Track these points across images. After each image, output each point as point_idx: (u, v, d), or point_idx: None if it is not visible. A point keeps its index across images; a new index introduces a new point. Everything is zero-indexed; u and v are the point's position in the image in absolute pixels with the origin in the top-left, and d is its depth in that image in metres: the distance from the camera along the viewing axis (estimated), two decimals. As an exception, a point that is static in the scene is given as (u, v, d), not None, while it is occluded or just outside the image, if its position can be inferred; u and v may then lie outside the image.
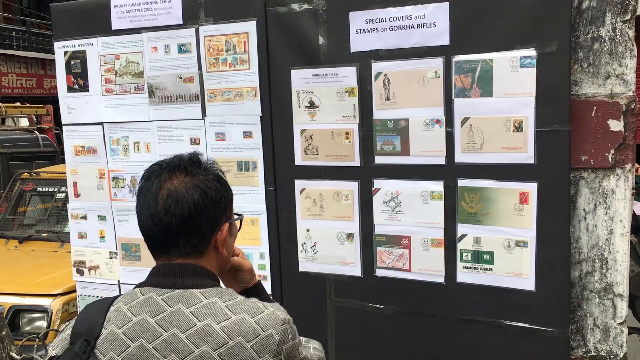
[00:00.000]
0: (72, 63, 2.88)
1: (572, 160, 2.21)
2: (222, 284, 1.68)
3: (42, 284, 5.32)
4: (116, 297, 1.45)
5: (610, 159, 2.18)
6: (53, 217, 6.76)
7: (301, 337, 1.58)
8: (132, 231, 2.85)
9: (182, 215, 1.40)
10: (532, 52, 2.10)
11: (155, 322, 1.35)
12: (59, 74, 2.91)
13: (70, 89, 2.91)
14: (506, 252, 2.22)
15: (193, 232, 1.42)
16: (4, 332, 3.84)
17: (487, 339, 2.28)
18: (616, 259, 2.23)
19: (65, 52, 2.89)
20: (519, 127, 2.15)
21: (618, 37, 2.15)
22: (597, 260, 2.25)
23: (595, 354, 2.28)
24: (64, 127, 2.96)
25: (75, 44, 2.86)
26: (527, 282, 2.20)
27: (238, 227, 1.61)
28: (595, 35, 2.17)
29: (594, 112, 2.18)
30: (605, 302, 2.26)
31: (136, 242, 2.85)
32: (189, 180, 1.43)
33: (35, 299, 5.11)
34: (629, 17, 2.13)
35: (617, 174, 2.19)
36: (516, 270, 2.21)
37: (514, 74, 2.13)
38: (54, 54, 2.92)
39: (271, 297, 1.75)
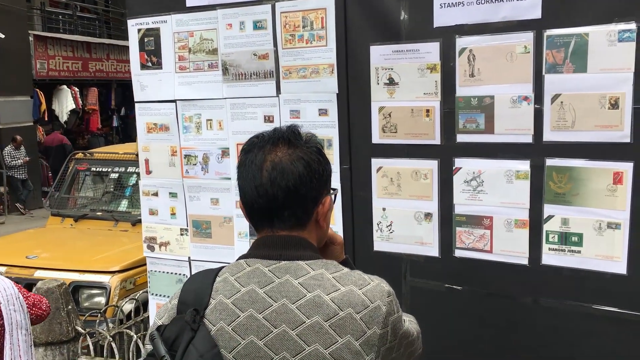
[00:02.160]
0: (145, 40, 2.89)
1: (668, 140, 2.12)
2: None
3: (99, 261, 5.44)
4: (221, 268, 1.45)
5: None
6: (107, 196, 6.89)
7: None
8: (203, 208, 2.86)
9: (287, 187, 1.38)
10: (632, 25, 2.01)
11: (264, 293, 1.35)
12: (132, 51, 2.93)
13: (143, 67, 2.92)
14: (597, 234, 2.15)
15: (298, 204, 1.41)
16: (69, 307, 3.94)
17: (573, 323, 2.22)
18: None
19: (139, 30, 2.90)
20: (615, 104, 2.06)
21: None
22: (692, 244, 2.16)
23: (687, 341, 2.20)
24: (136, 105, 2.98)
25: (149, 22, 2.86)
26: (618, 265, 2.13)
27: (333, 201, 1.59)
28: (697, 7, 2.06)
29: (694, 89, 2.08)
30: (699, 287, 2.17)
31: (207, 220, 2.85)
32: (292, 152, 1.41)
33: (93, 275, 5.23)
34: None
35: None
36: (607, 252, 2.14)
37: (612, 48, 2.04)
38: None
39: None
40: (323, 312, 1.31)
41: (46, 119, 16.86)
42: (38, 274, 5.16)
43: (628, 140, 2.06)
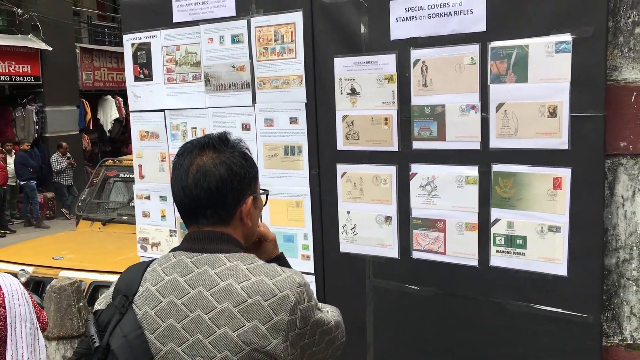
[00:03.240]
0: (138, 54, 3.11)
1: (610, 147, 2.20)
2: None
3: (121, 262, 5.70)
4: (153, 260, 1.62)
5: (650, 146, 2.15)
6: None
7: (320, 303, 1.70)
8: (189, 211, 3.05)
9: (209, 188, 1.55)
10: (567, 37, 2.10)
11: (184, 281, 1.51)
12: (127, 64, 3.16)
13: (136, 79, 3.14)
14: (539, 237, 2.23)
15: (219, 204, 1.57)
16: (81, 304, 4.20)
17: (520, 322, 2.31)
18: (655, 248, 2.20)
19: (133, 44, 3.12)
20: (553, 113, 2.16)
21: (660, 21, 2.11)
22: (635, 248, 2.23)
23: (631, 342, 2.26)
24: (131, 114, 3.20)
25: (141, 37, 3.09)
26: (559, 267, 2.21)
27: (264, 201, 1.75)
28: (636, 19, 2.14)
29: (633, 98, 2.16)
30: (643, 290, 2.23)
31: (193, 221, 3.04)
32: (216, 157, 1.58)
33: (114, 276, 5.48)
34: (671, 1, 2.09)
35: (657, 161, 2.16)
36: (549, 255, 2.23)
37: (549, 59, 2.14)
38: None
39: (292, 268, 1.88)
40: (233, 299, 1.47)
41: (91, 127, 17.55)
42: (62, 274, 5.46)
43: (566, 147, 2.15)
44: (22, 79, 15.15)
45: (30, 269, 5.57)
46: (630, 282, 2.25)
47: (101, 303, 1.64)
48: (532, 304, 2.28)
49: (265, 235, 1.84)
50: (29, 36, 15.26)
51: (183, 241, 1.63)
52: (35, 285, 5.48)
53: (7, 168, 13.32)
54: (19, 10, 14.91)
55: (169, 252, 1.63)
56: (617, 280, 2.27)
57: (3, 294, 2.78)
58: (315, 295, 1.61)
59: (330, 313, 1.71)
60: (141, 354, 1.47)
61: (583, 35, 2.08)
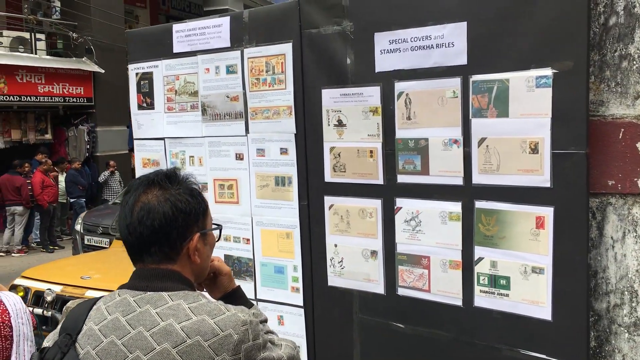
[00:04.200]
0: (141, 83, 3.18)
1: (598, 185, 2.09)
2: (201, 289, 1.81)
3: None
4: (100, 298, 1.62)
5: (639, 185, 2.04)
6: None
7: (275, 337, 1.67)
8: (186, 239, 3.07)
9: (152, 226, 1.54)
10: (548, 71, 2.02)
11: (125, 321, 1.50)
12: (131, 93, 3.22)
13: (139, 107, 3.20)
14: (522, 278, 2.14)
15: (163, 241, 1.56)
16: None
17: (504, 367, 2.21)
18: (647, 293, 2.07)
19: (137, 74, 3.19)
20: (535, 149, 2.07)
21: (649, 54, 2.01)
22: (626, 293, 2.10)
23: (624, 393, 2.13)
24: (134, 142, 3.26)
25: (144, 66, 3.15)
26: (543, 310, 2.11)
27: (217, 237, 1.73)
28: (623, 53, 2.05)
29: (621, 134, 2.05)
30: (635, 338, 2.10)
31: (190, 249, 3.05)
32: (161, 194, 1.57)
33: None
34: (660, 33, 1.99)
35: (649, 201, 2.04)
36: (533, 297, 2.12)
37: (530, 94, 2.06)
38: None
39: (251, 302, 1.85)
40: (172, 340, 1.45)
41: (140, 147, 17.98)
42: (88, 293, 5.57)
43: (548, 184, 2.06)
44: (75, 100, 15.73)
45: (58, 288, 5.71)
46: (622, 328, 2.12)
47: (49, 340, 1.65)
48: (516, 348, 2.18)
49: (219, 269, 1.82)
50: (83, 59, 15.86)
51: (130, 278, 1.63)
52: (63, 304, 5.60)
53: (59, 186, 13.79)
54: (74, 35, 15.53)
55: (117, 289, 1.63)
56: (608, 327, 2.14)
57: (9, 313, 2.85)
58: (264, 334, 1.57)
59: (284, 347, 1.68)
60: None
61: (563, 70, 2.00)
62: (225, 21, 2.79)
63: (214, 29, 2.83)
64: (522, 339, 2.17)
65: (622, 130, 2.05)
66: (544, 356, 2.12)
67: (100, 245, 9.17)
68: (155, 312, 1.50)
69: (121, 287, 1.62)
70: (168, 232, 1.55)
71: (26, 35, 14.93)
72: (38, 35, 15.28)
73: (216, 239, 1.73)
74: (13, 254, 12.37)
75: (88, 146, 16.06)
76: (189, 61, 2.96)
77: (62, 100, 15.40)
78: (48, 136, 15.78)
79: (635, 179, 2.04)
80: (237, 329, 1.48)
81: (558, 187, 2.04)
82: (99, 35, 15.78)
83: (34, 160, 13.35)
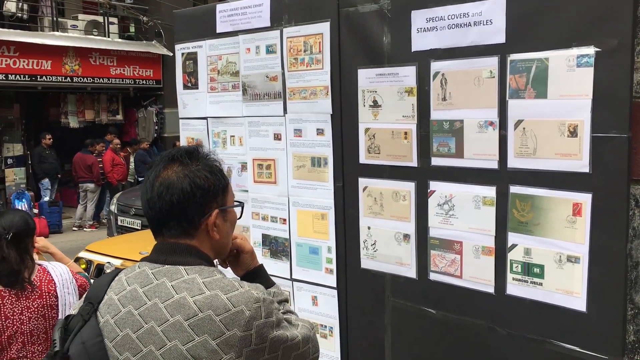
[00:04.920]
0: (187, 63, 3.22)
1: (642, 171, 1.97)
2: (225, 267, 1.83)
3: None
4: (122, 269, 1.67)
5: (686, 172, 1.91)
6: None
7: (294, 317, 1.67)
8: (226, 217, 3.11)
9: (171, 201, 1.56)
10: (590, 50, 1.91)
11: (142, 292, 1.54)
12: (177, 73, 3.28)
13: (185, 87, 3.25)
14: (557, 266, 2.05)
15: (182, 216, 1.58)
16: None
17: (535, 357, 2.13)
18: (693, 287, 1.94)
19: (183, 54, 3.24)
20: (573, 132, 1.97)
21: (702, 31, 1.86)
22: (668, 286, 1.98)
23: (663, 392, 2.01)
24: (180, 121, 3.32)
25: (189, 46, 3.19)
26: (577, 301, 2.01)
27: (239, 214, 1.74)
28: (675, 29, 1.90)
29: (669, 118, 1.92)
30: (678, 335, 1.98)
31: (230, 228, 3.10)
32: (180, 170, 1.59)
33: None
34: None
35: (697, 190, 1.91)
36: (567, 287, 2.03)
37: (570, 73, 1.95)
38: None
39: (273, 281, 1.85)
40: (184, 312, 1.48)
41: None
42: (145, 268, 5.76)
43: (587, 170, 1.96)
44: (145, 82, 16.18)
45: (118, 262, 5.93)
46: (664, 324, 2.00)
47: (76, 308, 1.71)
48: (548, 339, 2.10)
49: (242, 247, 1.83)
50: (153, 42, 16.28)
51: (151, 252, 1.66)
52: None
53: (130, 165, 14.29)
54: (145, 18, 15.95)
55: (139, 261, 1.66)
56: (649, 321, 2.02)
57: (55, 283, 2.98)
58: (278, 313, 1.57)
59: (301, 327, 1.67)
60: None
61: (607, 49, 1.88)
62: (265, 0, 2.79)
63: (255, 9, 2.83)
64: (554, 330, 2.08)
65: (670, 113, 1.91)
66: (577, 348, 2.03)
67: (132, 227, 9.07)
68: (170, 284, 1.52)
69: (142, 259, 1.66)
70: (186, 207, 1.57)
71: (100, 19, 15.45)
72: (111, 19, 15.79)
73: (238, 217, 1.74)
74: (85, 229, 12.94)
75: (156, 127, 16.52)
76: (231, 41, 2.97)
77: (133, 82, 15.87)
78: (119, 117, 16.33)
79: (683, 166, 1.91)
80: (249, 306, 1.48)
81: (597, 172, 1.94)
82: (168, 19, 16.15)
83: (105, 140, 13.87)
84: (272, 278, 2.84)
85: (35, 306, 2.87)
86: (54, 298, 2.94)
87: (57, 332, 1.59)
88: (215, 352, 1.44)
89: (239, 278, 1.81)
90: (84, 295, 1.70)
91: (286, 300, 1.83)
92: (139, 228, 8.70)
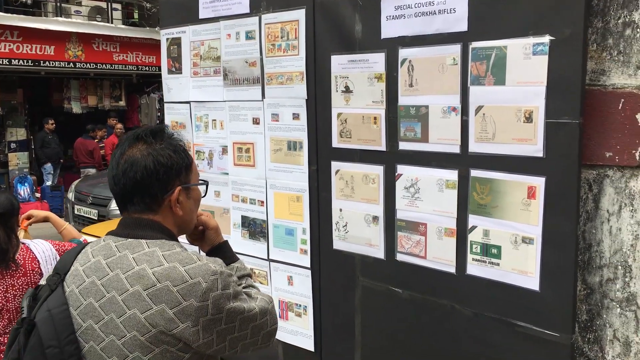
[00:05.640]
0: (171, 49, 3.30)
1: (595, 157, 2.05)
2: (183, 240, 1.91)
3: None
4: (89, 243, 1.76)
5: (637, 157, 1.98)
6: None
7: (254, 291, 1.75)
8: (208, 199, 3.18)
9: (135, 178, 1.64)
10: (545, 39, 1.98)
11: (105, 263, 1.62)
12: (162, 58, 3.35)
13: (169, 72, 3.33)
14: (513, 247, 2.13)
15: (145, 192, 1.66)
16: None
17: (493, 335, 2.21)
18: (641, 268, 2.02)
19: (167, 39, 3.31)
20: (529, 118, 2.04)
21: (653, 21, 1.93)
22: (619, 267, 2.06)
23: (613, 369, 2.10)
24: (165, 105, 3.40)
25: (174, 32, 3.27)
26: (531, 280, 2.09)
27: (203, 192, 1.82)
28: (627, 20, 1.97)
29: (621, 105, 1.99)
30: (627, 313, 2.06)
31: (211, 210, 3.18)
32: (145, 149, 1.67)
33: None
34: (666, -1, 1.90)
35: (646, 175, 1.98)
36: (522, 267, 2.11)
37: (527, 61, 2.02)
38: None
39: (236, 256, 1.93)
40: (144, 283, 1.56)
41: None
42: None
43: (541, 154, 2.03)
44: (147, 69, 16.24)
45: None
46: (614, 303, 2.08)
47: (45, 280, 1.80)
48: (504, 317, 2.18)
49: (207, 224, 1.91)
50: (156, 29, 16.34)
51: (117, 226, 1.74)
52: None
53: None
54: (148, 5, 16.00)
55: (104, 235, 1.75)
56: (600, 301, 2.11)
57: (38, 261, 3.07)
58: (235, 286, 1.64)
59: (259, 300, 1.74)
60: (62, 328, 1.60)
61: (560, 37, 1.95)
62: (245, -13, 2.86)
63: (235, -5, 2.90)
64: (510, 308, 2.16)
65: (622, 100, 1.99)
66: (530, 326, 2.11)
67: (88, 216, 8.69)
68: (132, 257, 1.60)
69: (108, 233, 1.75)
70: (149, 184, 1.65)
71: (103, 5, 15.51)
72: (114, 5, 15.84)
73: (202, 195, 1.82)
74: (85, 214, 13.05)
75: (159, 114, 16.60)
76: (213, 27, 3.05)
77: (136, 68, 15.92)
78: (122, 103, 16.41)
79: (634, 151, 1.98)
80: (206, 278, 1.56)
81: (550, 157, 2.01)
82: (171, 6, 16.18)
83: (107, 125, 13.97)
84: (251, 259, 2.98)
85: (19, 284, 2.96)
86: (38, 275, 3.02)
87: (26, 301, 1.68)
88: (172, 321, 1.52)
89: (205, 254, 1.89)
90: (54, 267, 1.79)
91: (249, 275, 1.91)
92: (95, 218, 8.42)
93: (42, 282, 1.79)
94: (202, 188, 1.81)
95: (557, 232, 2.02)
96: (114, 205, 7.75)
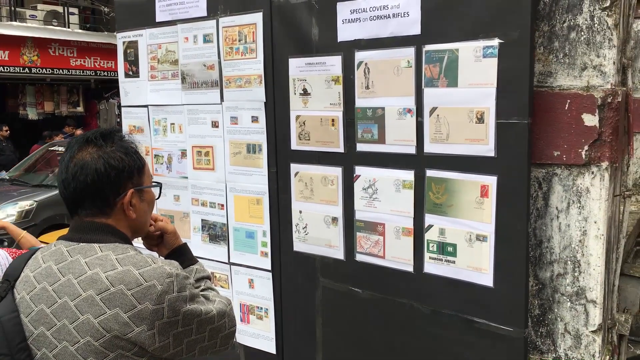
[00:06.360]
0: (128, 52, 3.27)
1: (545, 156, 2.12)
2: (138, 243, 1.90)
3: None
4: (39, 248, 1.73)
5: (584, 156, 2.06)
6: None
7: (212, 293, 1.75)
8: (167, 203, 3.18)
9: (85, 181, 1.63)
10: (494, 42, 2.04)
11: (57, 269, 1.60)
12: (119, 61, 3.32)
13: (126, 75, 3.30)
14: (467, 245, 2.18)
15: (96, 196, 1.65)
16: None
17: (451, 332, 2.26)
18: (589, 263, 2.10)
19: (124, 42, 3.29)
20: (481, 119, 2.10)
21: (596, 25, 2.01)
22: (569, 262, 2.13)
23: (565, 361, 2.17)
24: (122, 109, 3.37)
25: (130, 35, 3.24)
26: (485, 277, 2.15)
27: (157, 194, 1.81)
28: (572, 23, 2.05)
29: (567, 106, 2.07)
30: (577, 307, 2.14)
31: (171, 214, 3.17)
32: (95, 152, 1.66)
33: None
34: (608, 4, 1.99)
35: (592, 172, 2.06)
36: (476, 264, 2.17)
37: (478, 64, 2.08)
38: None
39: (195, 259, 1.93)
40: (97, 287, 1.54)
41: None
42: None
43: (493, 154, 2.09)
44: (106, 74, 16.01)
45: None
46: (565, 297, 2.15)
47: None
48: (461, 313, 2.23)
49: (164, 229, 1.90)
50: (114, 33, 16.13)
51: (68, 231, 1.72)
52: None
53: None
54: (106, 9, 15.78)
55: (55, 240, 1.73)
56: (552, 295, 2.18)
57: None
58: (192, 289, 1.64)
59: (217, 303, 1.74)
60: (13, 335, 1.57)
61: (508, 40, 2.01)
62: (202, -10, 2.86)
63: (193, -1, 2.90)
64: (466, 305, 2.21)
65: (569, 101, 2.06)
66: (485, 321, 2.17)
67: None
68: (84, 261, 1.59)
69: (59, 238, 1.73)
70: (101, 187, 1.64)
71: (60, 9, 15.24)
72: (71, 9, 15.58)
73: (156, 197, 1.81)
74: (43, 222, 12.75)
75: (119, 119, 16.36)
76: (170, 30, 3.04)
77: (94, 73, 15.70)
78: (80, 109, 16.15)
79: (580, 150, 2.06)
80: (161, 280, 1.55)
81: (501, 156, 2.07)
82: (129, 10, 15.99)
83: (64, 132, 13.70)
84: (211, 262, 2.97)
85: None
86: None
87: None
88: (126, 325, 1.51)
89: (164, 257, 1.89)
90: (3, 274, 1.76)
91: (208, 278, 1.91)
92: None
93: None
94: (155, 190, 1.80)
95: (509, 229, 2.08)
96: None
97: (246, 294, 2.93)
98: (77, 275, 1.56)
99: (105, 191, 1.64)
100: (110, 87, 16.38)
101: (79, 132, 13.71)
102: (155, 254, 1.84)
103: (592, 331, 2.12)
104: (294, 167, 2.66)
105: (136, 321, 1.51)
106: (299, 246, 2.70)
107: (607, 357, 2.23)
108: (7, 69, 13.33)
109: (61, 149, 9.60)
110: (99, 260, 1.58)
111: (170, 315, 1.56)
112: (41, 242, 6.32)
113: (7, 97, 15.15)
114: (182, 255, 1.91)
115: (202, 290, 1.78)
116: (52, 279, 1.59)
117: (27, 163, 10.22)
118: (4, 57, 13.22)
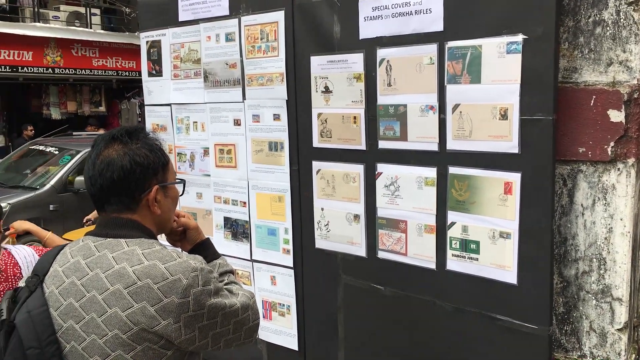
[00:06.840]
0: (151, 51, 3.31)
1: (569, 152, 2.10)
2: (161, 238, 1.92)
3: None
4: (68, 244, 1.76)
5: (609, 152, 2.04)
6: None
7: (236, 287, 1.77)
8: (190, 201, 3.21)
9: (112, 178, 1.65)
10: (518, 37, 2.02)
11: (85, 263, 1.63)
12: (142, 61, 3.36)
13: (149, 74, 3.34)
14: (491, 242, 2.17)
15: (122, 192, 1.67)
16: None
17: (473, 329, 2.25)
18: (615, 260, 2.07)
19: (147, 42, 3.32)
20: (504, 115, 2.09)
21: (622, 20, 1.99)
22: (594, 260, 2.11)
23: (590, 359, 2.14)
24: (145, 107, 3.41)
25: (153, 35, 3.27)
26: (509, 274, 2.14)
27: (181, 191, 1.83)
28: (597, 19, 2.03)
29: (592, 102, 2.05)
30: (602, 305, 2.12)
31: (193, 212, 3.19)
32: (121, 149, 1.68)
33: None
34: (634, -1, 1.96)
35: (619, 169, 2.04)
36: (500, 261, 2.16)
37: (501, 60, 2.07)
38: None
39: (218, 253, 1.95)
40: (124, 281, 1.57)
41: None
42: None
43: (516, 150, 2.07)
44: (127, 74, 16.17)
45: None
46: (590, 295, 2.13)
47: (24, 281, 1.80)
48: (484, 310, 2.22)
49: (187, 224, 1.93)
50: (136, 34, 16.27)
51: (95, 226, 1.75)
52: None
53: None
54: (127, 10, 15.94)
55: (83, 236, 1.76)
56: (577, 293, 2.16)
57: (20, 266, 3.05)
58: (216, 282, 1.65)
59: (241, 296, 1.75)
60: (43, 328, 1.61)
61: (533, 36, 1.99)
62: (224, -10, 2.88)
63: (215, -2, 2.92)
64: (489, 302, 2.20)
65: (594, 97, 2.04)
66: (509, 319, 2.15)
67: None
68: (111, 256, 1.61)
69: (86, 234, 1.75)
70: (126, 183, 1.66)
71: (82, 10, 15.41)
72: (93, 10, 15.75)
73: (180, 193, 1.83)
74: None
75: (140, 119, 16.52)
76: (193, 29, 3.06)
77: (116, 74, 15.85)
78: (102, 109, 16.32)
79: (606, 147, 2.04)
80: (186, 274, 1.57)
81: (525, 153, 2.06)
82: (150, 10, 16.12)
83: (86, 131, 13.87)
84: (234, 260, 2.99)
85: (1, 289, 2.94)
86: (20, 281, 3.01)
87: (5, 303, 1.68)
88: (153, 318, 1.53)
89: (187, 252, 1.91)
90: (33, 268, 1.79)
91: (231, 272, 1.92)
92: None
93: (21, 284, 1.79)
94: (179, 186, 1.83)
95: (533, 227, 2.07)
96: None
97: (268, 290, 2.94)
98: (105, 269, 1.59)
99: (130, 187, 1.67)
100: (131, 87, 16.55)
101: (101, 131, 13.87)
102: (179, 250, 1.86)
103: (617, 329, 2.09)
104: (316, 165, 2.67)
105: (162, 314, 1.53)
106: (320, 243, 2.71)
107: (634, 355, 2.21)
108: (31, 70, 13.52)
109: (42, 147, 9.41)
110: (126, 255, 1.60)
111: (195, 309, 1.58)
112: (64, 239, 6.43)
113: (31, 98, 15.36)
114: (205, 249, 1.93)
115: (226, 284, 1.79)
116: (80, 274, 1.61)
117: (6, 162, 9.80)
118: (28, 58, 13.41)
